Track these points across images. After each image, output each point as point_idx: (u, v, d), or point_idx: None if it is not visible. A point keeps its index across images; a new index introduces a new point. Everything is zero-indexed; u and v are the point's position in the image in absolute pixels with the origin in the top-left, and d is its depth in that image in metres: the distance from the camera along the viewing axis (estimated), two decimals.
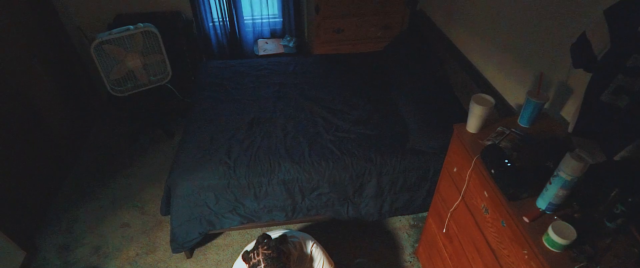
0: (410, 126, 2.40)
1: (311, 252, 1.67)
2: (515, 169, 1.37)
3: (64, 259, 2.47)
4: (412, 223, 2.66)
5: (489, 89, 2.25)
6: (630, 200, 1.16)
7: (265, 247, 1.37)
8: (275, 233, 1.59)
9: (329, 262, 1.73)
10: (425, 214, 2.71)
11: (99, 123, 3.58)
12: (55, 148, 2.95)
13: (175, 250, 2.29)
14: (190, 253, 2.46)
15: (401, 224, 2.66)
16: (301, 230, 2.55)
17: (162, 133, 3.39)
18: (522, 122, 1.66)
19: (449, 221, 1.84)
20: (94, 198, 2.87)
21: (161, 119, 3.40)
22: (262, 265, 1.34)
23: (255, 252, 1.38)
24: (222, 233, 2.59)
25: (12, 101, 2.53)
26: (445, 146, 2.19)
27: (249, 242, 2.11)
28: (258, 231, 2.59)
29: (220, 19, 3.47)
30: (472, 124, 1.61)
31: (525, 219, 1.27)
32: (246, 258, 1.41)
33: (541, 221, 1.26)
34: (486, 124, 1.64)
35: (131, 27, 2.77)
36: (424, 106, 2.45)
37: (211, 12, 3.45)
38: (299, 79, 2.94)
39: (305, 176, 2.19)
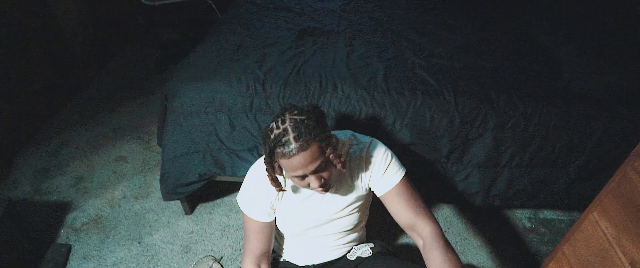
0: (567, 56, 1.42)
1: (369, 146, 1.05)
2: None
3: (36, 186, 1.87)
4: (528, 225, 1.67)
5: None
6: None
7: (294, 112, 0.89)
8: None
9: (399, 162, 1.06)
10: (553, 215, 1.70)
11: (131, 44, 3.03)
12: (69, 60, 2.41)
13: (165, 196, 1.57)
14: (190, 208, 1.73)
15: (510, 221, 1.68)
16: None
17: None
18: None
19: None
20: (96, 122, 2.27)
21: (194, 45, 2.75)
22: (290, 134, 0.86)
23: (278, 120, 0.89)
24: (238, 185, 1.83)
25: None
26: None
27: None
28: None
29: None
30: None
31: None
32: (267, 134, 0.89)
33: None
34: None
35: None
36: (593, 28, 1.46)
37: None
38: None
39: (374, 110, 1.33)
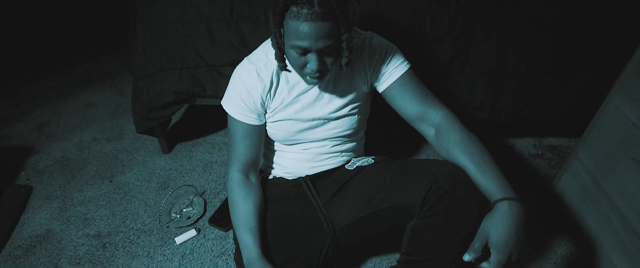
0: None
1: (371, 38, 0.95)
2: None
3: None
4: (533, 151, 1.57)
5: None
6: None
7: None
8: None
9: (402, 55, 0.96)
10: (558, 142, 1.60)
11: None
12: (38, 11, 2.23)
13: (139, 124, 1.40)
14: (168, 147, 1.57)
15: (515, 149, 1.58)
16: None
17: None
18: None
19: None
20: (65, 74, 2.09)
21: None
22: None
23: None
24: (221, 117, 1.68)
25: None
26: None
27: None
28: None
29: None
30: None
31: None
32: None
33: None
34: None
35: None
36: None
37: None
38: None
39: (368, 9, 1.20)
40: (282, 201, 1.01)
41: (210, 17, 1.24)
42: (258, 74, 0.91)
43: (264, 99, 0.93)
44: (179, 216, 1.30)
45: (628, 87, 0.99)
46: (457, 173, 0.80)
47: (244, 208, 0.93)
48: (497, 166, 0.81)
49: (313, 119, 0.97)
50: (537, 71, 1.27)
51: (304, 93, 0.94)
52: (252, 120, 0.95)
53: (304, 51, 0.78)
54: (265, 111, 0.96)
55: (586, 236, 1.14)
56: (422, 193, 0.79)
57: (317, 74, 0.82)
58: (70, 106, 1.84)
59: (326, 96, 0.95)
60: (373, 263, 1.14)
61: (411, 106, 0.93)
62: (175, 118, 1.76)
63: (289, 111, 0.95)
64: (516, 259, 0.74)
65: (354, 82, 0.96)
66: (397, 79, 0.93)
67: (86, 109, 1.82)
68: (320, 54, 0.78)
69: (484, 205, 0.78)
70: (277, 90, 0.94)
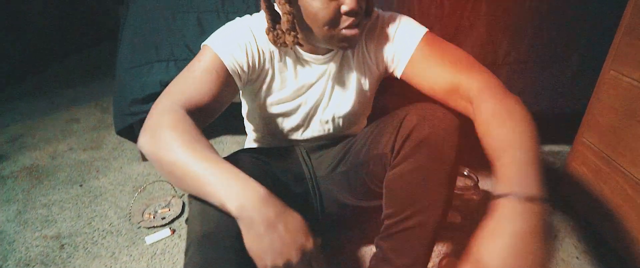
0: None
1: (386, 17, 0.79)
2: None
3: None
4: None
5: None
6: None
7: None
8: None
9: (416, 23, 0.78)
10: (558, 148, 1.54)
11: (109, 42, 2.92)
12: (30, 39, 2.26)
13: (119, 121, 1.33)
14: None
15: None
16: None
17: None
18: None
19: None
20: (51, 95, 2.05)
21: None
22: None
23: None
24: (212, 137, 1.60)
25: None
26: None
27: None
28: None
29: None
30: None
31: None
32: None
33: None
34: None
35: None
36: None
37: None
38: None
39: None
40: (270, 153, 0.88)
41: (201, 7, 1.25)
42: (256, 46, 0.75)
43: (254, 69, 0.75)
44: (153, 217, 1.16)
45: (623, 50, 0.98)
46: (426, 109, 0.69)
47: (204, 139, 0.61)
48: (534, 146, 0.56)
49: (310, 119, 0.86)
50: (527, 58, 1.27)
51: (303, 90, 0.81)
52: (232, 65, 0.71)
53: None
54: (245, 84, 0.77)
55: (604, 222, 1.03)
56: (392, 137, 0.71)
57: (355, 12, 0.64)
58: (50, 122, 1.76)
59: (328, 95, 0.83)
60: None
61: (441, 78, 0.71)
62: None
63: (285, 107, 0.83)
64: None
65: (360, 76, 0.82)
66: (413, 52, 0.74)
67: (66, 124, 1.73)
68: None
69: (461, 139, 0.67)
70: (278, 66, 0.78)
